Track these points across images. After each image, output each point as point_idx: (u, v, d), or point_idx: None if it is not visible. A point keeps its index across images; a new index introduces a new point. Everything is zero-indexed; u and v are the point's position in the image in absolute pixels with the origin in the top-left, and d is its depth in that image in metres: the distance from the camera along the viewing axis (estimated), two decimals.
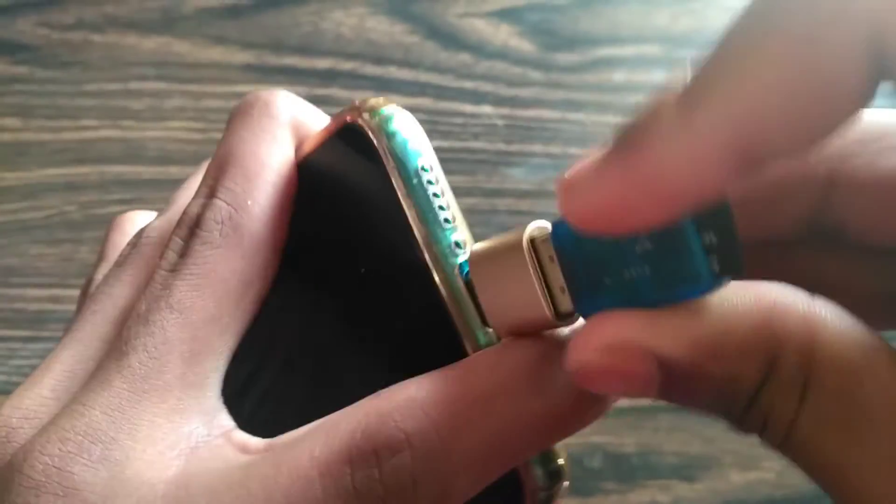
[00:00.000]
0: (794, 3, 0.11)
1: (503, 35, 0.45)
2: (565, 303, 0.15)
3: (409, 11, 0.46)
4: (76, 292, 0.46)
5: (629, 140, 0.12)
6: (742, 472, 0.41)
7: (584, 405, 0.15)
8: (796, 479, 0.41)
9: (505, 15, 0.46)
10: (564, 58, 0.45)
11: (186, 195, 0.20)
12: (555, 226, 0.15)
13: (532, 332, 0.15)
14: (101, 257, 0.22)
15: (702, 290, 0.13)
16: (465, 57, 0.45)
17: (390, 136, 0.17)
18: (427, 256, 0.16)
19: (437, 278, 0.16)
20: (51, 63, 0.47)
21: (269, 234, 0.18)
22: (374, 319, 0.17)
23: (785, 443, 0.13)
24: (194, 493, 0.15)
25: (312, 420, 0.16)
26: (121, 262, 0.20)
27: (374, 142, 0.16)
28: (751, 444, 0.42)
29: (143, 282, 0.18)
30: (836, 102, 0.12)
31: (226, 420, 0.17)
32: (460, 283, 0.16)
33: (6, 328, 0.45)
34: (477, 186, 0.44)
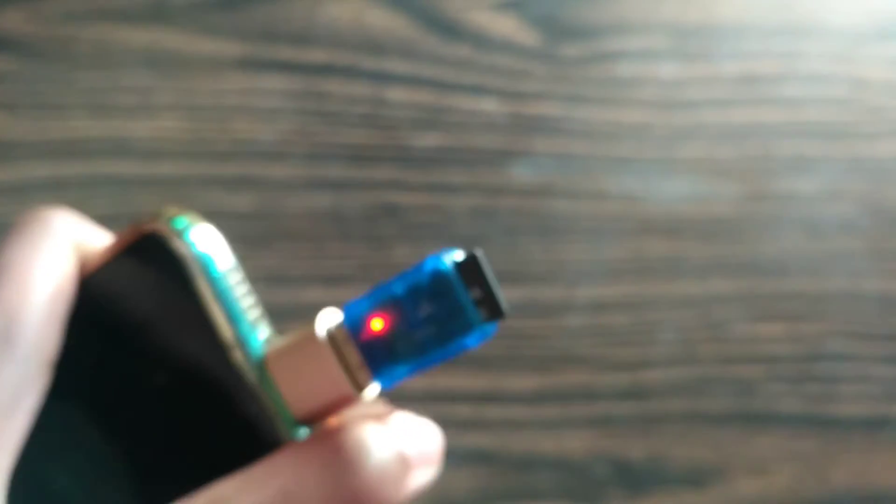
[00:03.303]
0: None
1: (505, 28, 0.44)
2: (365, 378, 0.17)
3: (409, 3, 0.45)
4: None
5: None
6: (752, 478, 0.41)
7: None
8: (808, 486, 0.41)
9: (507, 7, 0.45)
10: (569, 51, 0.44)
11: None
12: (346, 308, 0.17)
13: (338, 412, 0.18)
14: None
15: (477, 339, 0.17)
16: (466, 50, 0.44)
17: (191, 243, 0.18)
18: (237, 357, 0.18)
19: (247, 378, 0.18)
20: (38, 57, 0.46)
21: (44, 347, 0.18)
22: (177, 425, 0.18)
23: None
24: None
25: None
26: None
27: (176, 249, 0.18)
28: (761, 450, 0.41)
29: None
30: None
31: None
32: (270, 379, 0.18)
33: None
34: (478, 185, 0.43)
